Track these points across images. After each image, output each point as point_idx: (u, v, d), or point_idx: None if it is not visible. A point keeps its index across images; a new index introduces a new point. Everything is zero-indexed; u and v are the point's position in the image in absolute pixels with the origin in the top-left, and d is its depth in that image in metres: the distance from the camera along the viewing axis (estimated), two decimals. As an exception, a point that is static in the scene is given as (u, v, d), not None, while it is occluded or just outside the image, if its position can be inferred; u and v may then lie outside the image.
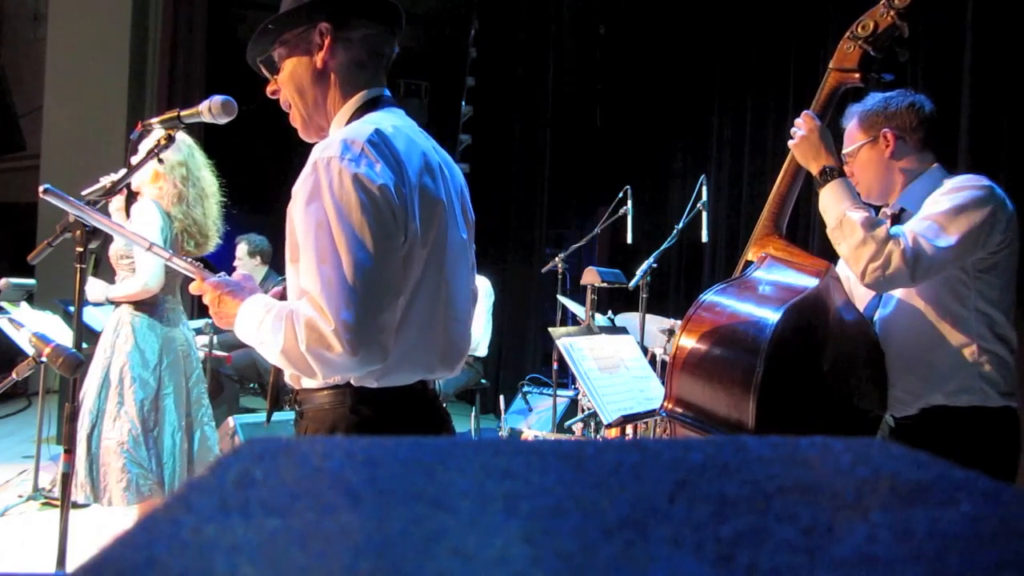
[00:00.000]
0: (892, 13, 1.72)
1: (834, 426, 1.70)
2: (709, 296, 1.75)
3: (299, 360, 1.27)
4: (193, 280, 1.55)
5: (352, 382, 1.36)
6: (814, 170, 1.79)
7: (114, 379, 2.80)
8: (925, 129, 1.88)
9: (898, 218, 1.87)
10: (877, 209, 1.98)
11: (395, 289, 1.31)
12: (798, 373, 1.66)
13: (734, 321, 1.66)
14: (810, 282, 1.69)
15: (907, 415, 1.83)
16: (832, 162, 1.78)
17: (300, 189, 1.31)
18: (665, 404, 1.73)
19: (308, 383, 1.40)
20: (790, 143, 1.84)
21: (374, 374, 1.35)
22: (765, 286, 1.72)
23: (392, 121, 1.41)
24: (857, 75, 1.78)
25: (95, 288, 2.99)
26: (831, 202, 1.75)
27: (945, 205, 1.72)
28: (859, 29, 1.76)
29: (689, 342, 1.69)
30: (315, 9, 1.43)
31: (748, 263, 1.86)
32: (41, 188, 1.69)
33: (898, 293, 1.83)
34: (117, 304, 2.96)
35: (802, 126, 1.81)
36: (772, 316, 1.59)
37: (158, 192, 2.91)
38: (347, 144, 1.28)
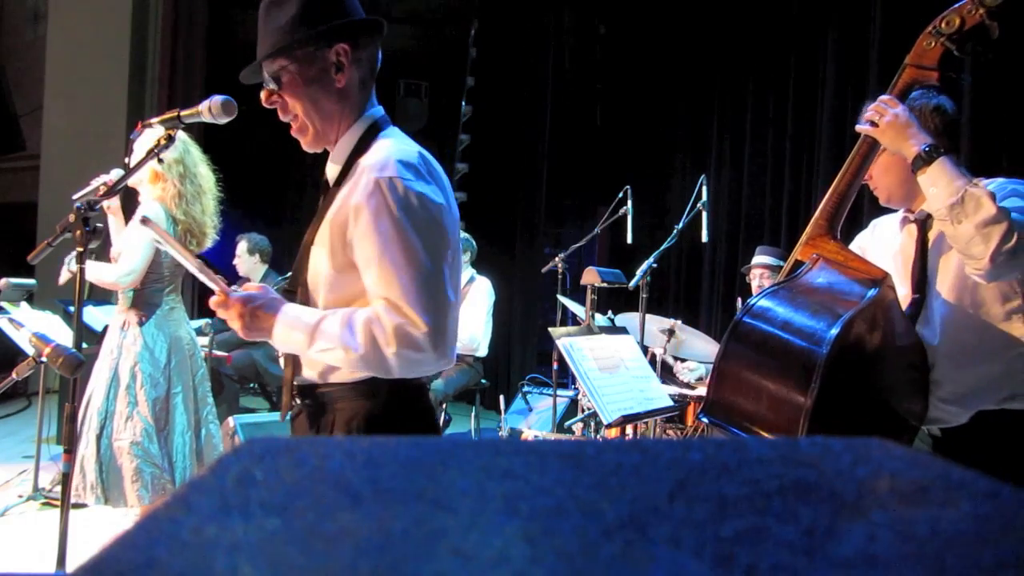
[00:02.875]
0: (982, 11, 1.60)
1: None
2: (759, 301, 1.64)
3: (379, 362, 1.39)
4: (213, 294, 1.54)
5: (378, 377, 1.46)
6: (911, 151, 1.65)
7: (124, 379, 2.79)
8: (948, 133, 1.79)
9: (924, 225, 1.80)
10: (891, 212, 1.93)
11: (455, 297, 1.46)
12: (850, 389, 1.58)
13: (787, 332, 1.57)
14: (867, 293, 1.60)
15: (959, 424, 1.77)
16: (930, 139, 1.65)
17: (364, 205, 1.41)
18: (707, 409, 1.66)
19: (337, 378, 1.49)
20: (865, 129, 1.72)
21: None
22: (818, 294, 1.63)
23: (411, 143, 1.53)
24: (935, 74, 1.67)
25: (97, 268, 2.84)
26: (945, 178, 1.60)
27: None
28: (943, 25, 1.64)
29: (737, 350, 1.61)
30: (336, 32, 1.49)
31: (798, 263, 1.76)
32: (140, 218, 1.68)
33: (943, 300, 1.76)
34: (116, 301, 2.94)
35: (884, 110, 1.68)
36: (829, 331, 1.50)
37: (160, 193, 2.86)
38: (405, 165, 1.42)
